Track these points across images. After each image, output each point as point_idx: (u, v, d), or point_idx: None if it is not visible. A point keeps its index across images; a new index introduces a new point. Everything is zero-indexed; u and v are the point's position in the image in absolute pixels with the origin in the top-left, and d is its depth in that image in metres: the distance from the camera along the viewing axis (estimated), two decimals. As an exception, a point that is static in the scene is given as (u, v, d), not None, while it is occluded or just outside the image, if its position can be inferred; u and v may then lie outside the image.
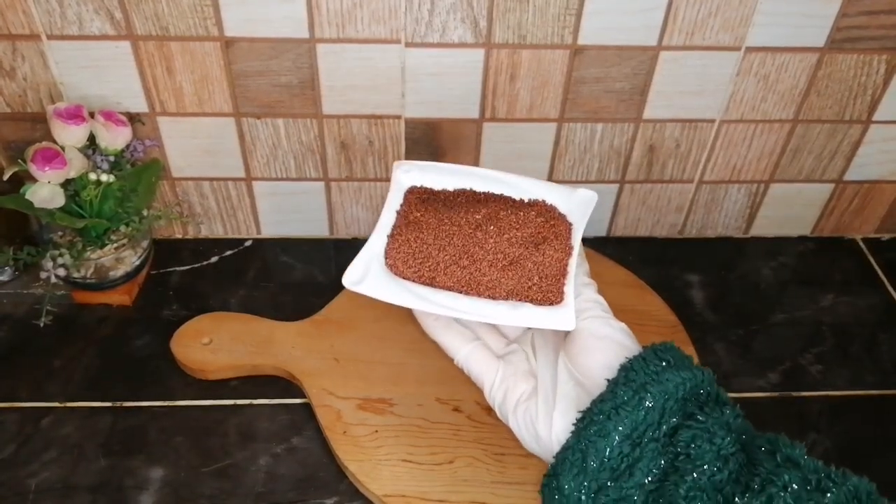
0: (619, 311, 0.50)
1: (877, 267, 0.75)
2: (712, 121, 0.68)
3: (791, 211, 0.76)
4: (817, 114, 0.68)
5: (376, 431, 0.56)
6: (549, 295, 0.49)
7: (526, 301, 0.49)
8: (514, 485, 0.53)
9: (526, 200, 0.55)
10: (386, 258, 0.51)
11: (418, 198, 0.55)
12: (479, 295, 0.49)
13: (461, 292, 0.49)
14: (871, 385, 0.63)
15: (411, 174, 0.56)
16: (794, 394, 0.62)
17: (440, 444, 0.55)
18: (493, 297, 0.49)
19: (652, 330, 0.64)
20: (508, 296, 0.49)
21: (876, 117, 0.68)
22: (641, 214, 0.75)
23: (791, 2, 0.60)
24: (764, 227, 0.77)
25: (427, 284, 0.50)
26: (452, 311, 0.48)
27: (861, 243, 0.78)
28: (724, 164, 0.71)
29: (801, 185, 0.74)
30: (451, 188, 0.56)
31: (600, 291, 0.50)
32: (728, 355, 0.65)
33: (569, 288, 0.49)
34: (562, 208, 0.54)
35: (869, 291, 0.72)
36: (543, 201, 0.55)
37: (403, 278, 0.50)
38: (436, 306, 0.48)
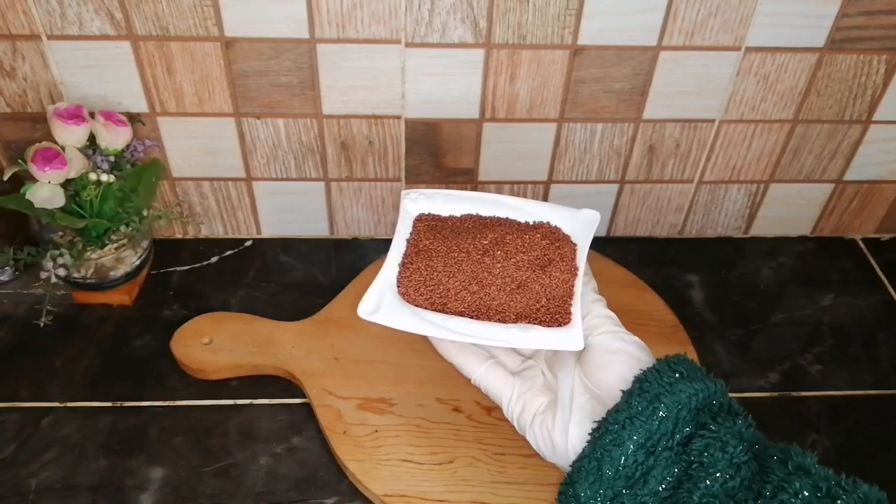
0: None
1: (876, 267, 0.75)
2: (712, 121, 0.68)
3: (791, 211, 0.76)
4: (817, 114, 0.68)
5: (376, 431, 0.56)
6: (557, 316, 0.50)
7: (535, 323, 0.50)
8: (514, 485, 0.53)
9: (531, 223, 0.56)
10: (398, 287, 0.52)
11: (427, 225, 0.56)
12: (489, 319, 0.50)
13: (472, 317, 0.50)
14: (871, 385, 0.63)
15: (418, 202, 0.58)
16: (794, 394, 0.62)
17: (440, 444, 0.55)
18: (504, 321, 0.50)
19: (652, 330, 0.64)
20: (518, 319, 0.50)
21: (876, 117, 0.68)
22: (641, 214, 0.75)
23: (791, 2, 0.60)
24: (764, 227, 0.77)
25: (439, 311, 0.51)
26: (465, 337, 0.49)
27: (861, 243, 0.78)
28: (723, 164, 0.71)
29: (801, 185, 0.74)
30: (457, 214, 0.58)
31: (608, 304, 0.51)
32: (728, 355, 0.65)
33: (575, 308, 0.50)
34: (566, 229, 0.56)
35: (869, 291, 0.72)
36: (548, 223, 0.56)
37: (416, 306, 0.51)
38: (449, 332, 0.49)
